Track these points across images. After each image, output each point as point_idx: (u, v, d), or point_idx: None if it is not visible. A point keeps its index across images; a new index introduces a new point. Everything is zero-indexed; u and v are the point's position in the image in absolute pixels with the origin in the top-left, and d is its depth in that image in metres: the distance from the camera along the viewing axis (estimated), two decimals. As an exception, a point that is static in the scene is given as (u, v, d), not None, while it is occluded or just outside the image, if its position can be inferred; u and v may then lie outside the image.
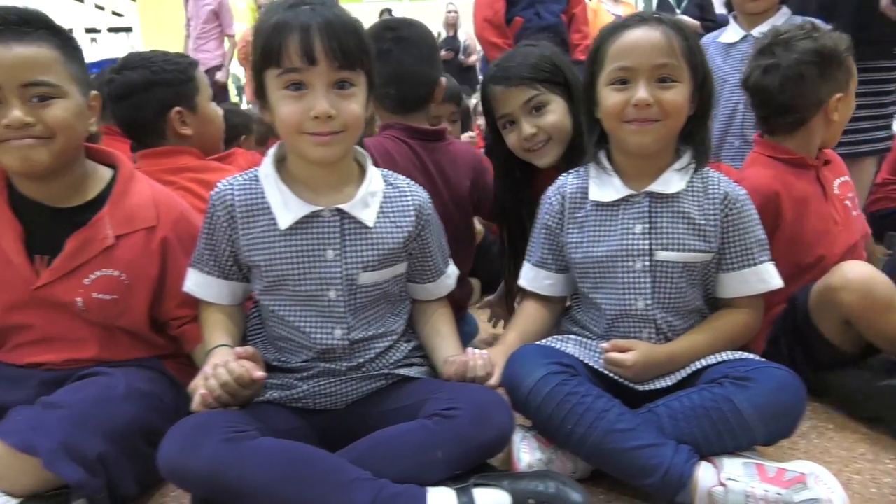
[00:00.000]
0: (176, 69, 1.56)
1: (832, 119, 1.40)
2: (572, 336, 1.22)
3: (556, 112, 1.41)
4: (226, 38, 5.62)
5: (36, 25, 1.11)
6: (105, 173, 1.23)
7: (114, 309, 1.18)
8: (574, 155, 1.39)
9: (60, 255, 1.15)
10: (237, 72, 7.24)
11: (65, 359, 1.17)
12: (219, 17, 5.57)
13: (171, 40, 7.88)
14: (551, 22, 2.77)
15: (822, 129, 1.42)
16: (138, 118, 1.55)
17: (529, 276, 1.29)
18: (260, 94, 1.08)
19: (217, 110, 1.67)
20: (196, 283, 1.19)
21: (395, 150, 1.50)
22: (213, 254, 1.16)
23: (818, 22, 1.49)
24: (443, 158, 1.57)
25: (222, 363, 1.03)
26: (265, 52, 1.02)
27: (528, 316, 1.28)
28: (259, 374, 1.03)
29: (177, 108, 1.55)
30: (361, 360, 1.14)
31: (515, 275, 1.40)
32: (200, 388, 1.03)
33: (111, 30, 9.23)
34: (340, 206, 1.10)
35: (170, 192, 1.30)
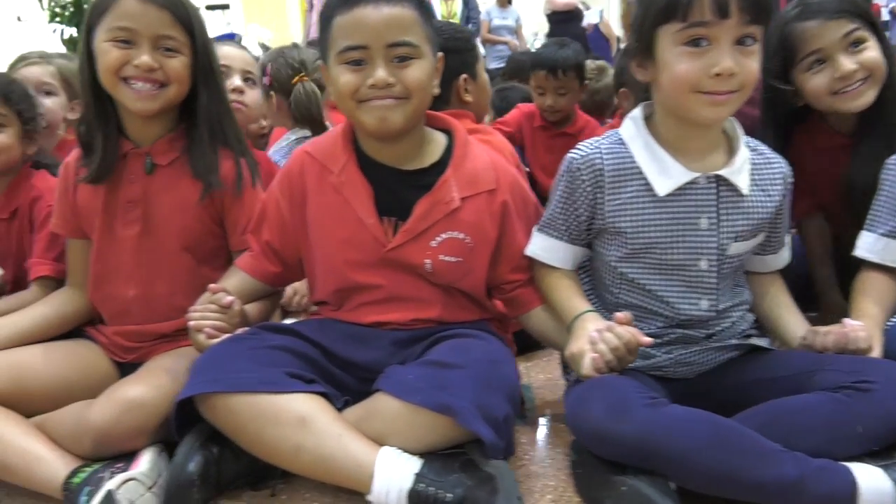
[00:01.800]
0: (462, 37, 1.58)
1: None
2: (937, 311, 1.15)
3: (875, 49, 1.29)
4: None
5: None
6: (441, 137, 1.23)
7: (458, 271, 1.18)
8: (879, 107, 1.29)
9: (412, 218, 1.15)
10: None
11: (411, 318, 1.18)
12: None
13: (270, 17, 7.99)
14: None
15: None
16: None
17: (878, 248, 1.22)
18: (643, 51, 1.05)
19: (487, 79, 1.69)
20: (542, 246, 1.18)
21: None
22: (567, 218, 1.14)
23: None
24: None
25: (606, 328, 1.02)
26: (669, 6, 0.98)
27: (880, 287, 1.20)
28: (646, 339, 1.01)
29: (464, 76, 1.57)
30: (718, 329, 1.12)
31: None
32: (589, 352, 1.02)
33: (209, 7, 9.41)
34: (719, 172, 1.06)
35: (501, 156, 1.29)
